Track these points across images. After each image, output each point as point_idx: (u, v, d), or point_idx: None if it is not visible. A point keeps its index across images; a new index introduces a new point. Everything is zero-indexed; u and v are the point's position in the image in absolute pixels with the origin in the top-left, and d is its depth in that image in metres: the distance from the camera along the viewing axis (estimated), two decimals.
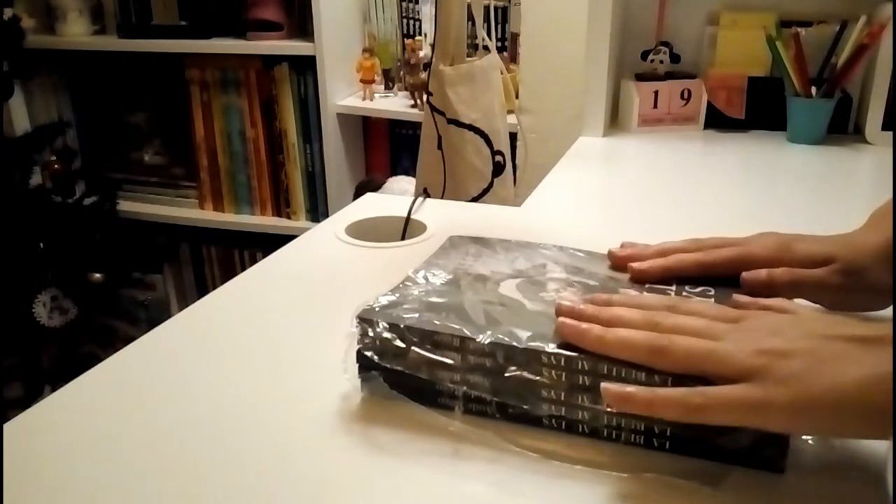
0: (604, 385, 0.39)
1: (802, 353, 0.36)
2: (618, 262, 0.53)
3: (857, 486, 0.38)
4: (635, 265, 0.51)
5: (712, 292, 0.48)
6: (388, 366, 0.43)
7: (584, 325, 0.41)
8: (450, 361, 0.42)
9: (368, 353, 0.44)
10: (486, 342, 0.41)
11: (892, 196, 0.53)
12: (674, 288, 0.49)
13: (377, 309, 0.45)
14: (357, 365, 0.45)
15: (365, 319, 0.44)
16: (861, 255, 0.51)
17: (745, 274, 0.51)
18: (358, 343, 0.44)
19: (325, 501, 0.37)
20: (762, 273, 0.50)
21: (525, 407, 0.41)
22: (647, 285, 0.50)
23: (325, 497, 0.38)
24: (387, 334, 0.43)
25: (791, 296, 0.49)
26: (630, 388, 0.38)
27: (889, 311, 0.52)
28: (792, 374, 0.35)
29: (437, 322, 0.43)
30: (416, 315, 0.44)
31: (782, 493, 0.37)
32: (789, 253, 0.52)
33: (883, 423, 0.33)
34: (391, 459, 0.40)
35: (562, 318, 0.42)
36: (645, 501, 0.37)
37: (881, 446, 0.38)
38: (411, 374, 0.43)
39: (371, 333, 0.43)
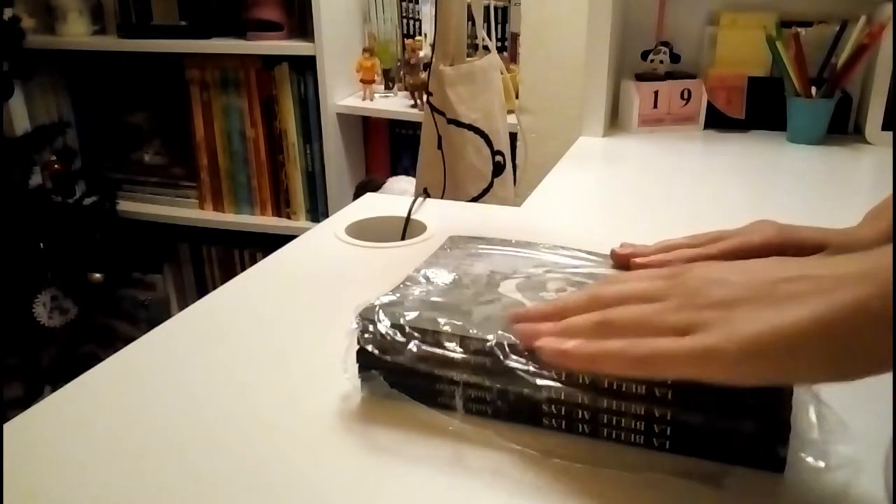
0: (539, 342, 0.38)
1: (748, 297, 0.35)
2: (620, 260, 0.53)
3: (857, 486, 0.38)
4: (638, 261, 0.52)
5: None
6: (389, 359, 0.43)
7: (540, 325, 0.40)
8: (450, 359, 0.42)
9: (369, 348, 0.44)
10: (487, 342, 0.41)
11: (892, 195, 0.54)
12: None
13: (378, 307, 0.45)
14: (357, 364, 0.45)
15: (366, 317, 0.44)
16: (854, 243, 0.52)
17: (729, 244, 0.52)
18: (358, 340, 0.44)
19: (325, 501, 0.37)
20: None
21: (525, 405, 0.41)
22: None
23: (325, 497, 0.38)
24: (388, 331, 0.43)
25: None
26: (569, 344, 0.37)
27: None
28: (739, 320, 0.34)
29: (439, 321, 0.43)
30: (417, 314, 0.44)
31: (782, 493, 0.37)
32: (785, 239, 0.52)
33: (842, 362, 0.32)
34: (391, 459, 0.40)
35: (516, 325, 0.41)
36: (645, 501, 0.37)
37: (881, 446, 0.38)
38: (411, 369, 0.43)
39: (372, 330, 0.43)
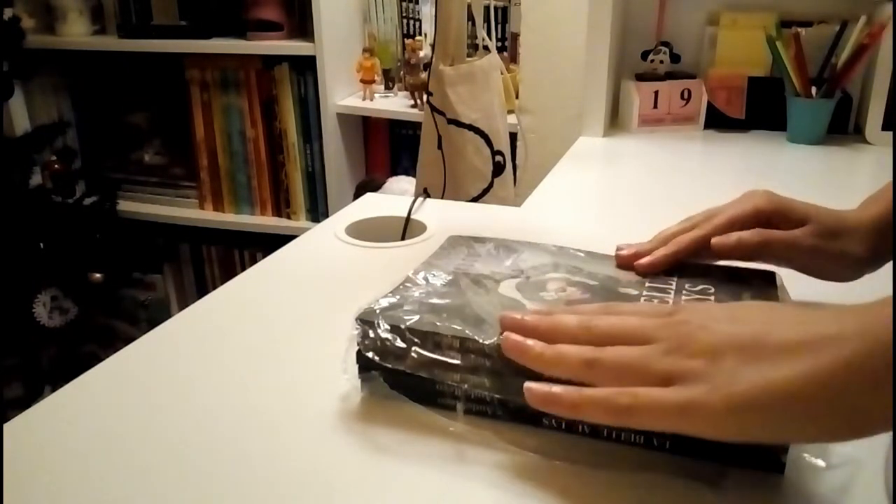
0: (527, 385, 0.38)
1: (738, 348, 0.34)
2: (624, 263, 0.53)
3: (857, 486, 0.38)
4: (642, 261, 0.52)
5: (712, 290, 0.48)
6: (390, 366, 0.43)
7: (530, 342, 0.39)
8: (450, 362, 0.42)
9: (369, 354, 0.44)
10: (487, 343, 0.41)
11: (892, 196, 0.54)
12: (674, 286, 0.49)
13: (377, 311, 0.45)
14: (357, 365, 0.45)
15: (365, 321, 0.44)
16: (840, 223, 0.53)
17: (714, 240, 0.52)
18: (358, 344, 0.44)
19: (325, 501, 0.37)
20: (732, 238, 0.52)
21: (525, 407, 0.41)
22: (648, 283, 0.50)
23: (325, 497, 0.38)
24: (388, 335, 0.43)
25: (764, 258, 0.52)
26: (556, 389, 0.37)
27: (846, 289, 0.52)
28: (726, 372, 0.33)
29: (438, 323, 0.43)
30: (417, 317, 0.44)
31: (782, 493, 0.37)
32: (775, 207, 0.53)
33: (833, 423, 0.31)
34: (391, 459, 0.40)
35: (506, 333, 0.40)
36: (645, 501, 0.37)
37: (881, 446, 0.38)
38: (412, 374, 0.43)
39: (372, 335, 0.43)
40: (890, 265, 0.54)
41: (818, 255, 0.52)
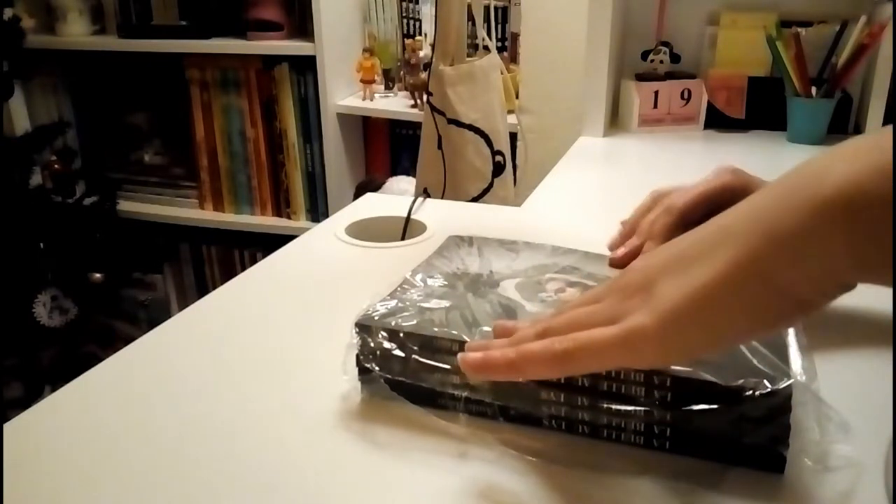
0: (460, 356, 0.37)
1: (664, 271, 0.34)
2: (619, 264, 0.54)
3: (857, 487, 0.38)
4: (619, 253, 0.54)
5: None
6: (390, 376, 0.43)
7: (495, 354, 0.36)
8: (449, 367, 0.42)
9: (368, 366, 0.44)
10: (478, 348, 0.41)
11: (891, 197, 0.54)
12: None
13: (376, 317, 0.44)
14: (356, 368, 0.45)
15: (363, 328, 0.44)
16: None
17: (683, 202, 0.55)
18: (357, 352, 0.44)
19: (325, 501, 0.37)
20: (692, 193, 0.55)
21: (525, 408, 0.41)
22: None
23: (325, 497, 0.38)
24: (386, 344, 0.43)
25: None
26: (492, 353, 0.36)
27: None
28: (656, 297, 0.33)
29: (436, 329, 0.43)
30: (415, 321, 0.44)
31: (782, 493, 0.37)
32: (741, 182, 0.54)
33: (762, 308, 0.31)
34: (391, 460, 0.40)
35: (461, 354, 0.38)
36: (645, 501, 0.37)
37: (881, 447, 0.38)
38: (412, 382, 0.43)
39: (371, 343, 0.43)
40: None
41: None
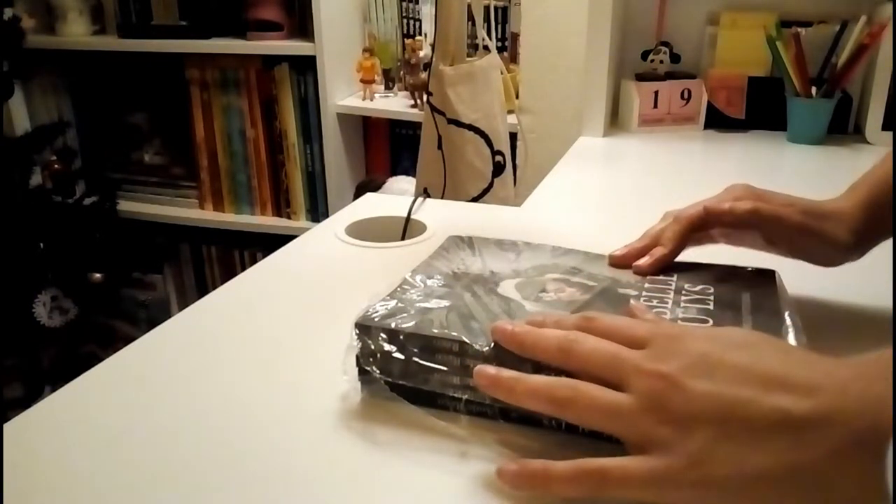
0: (478, 368, 0.39)
1: (707, 423, 0.32)
2: (618, 263, 0.54)
3: None
4: (641, 262, 0.52)
5: (712, 290, 0.48)
6: (391, 380, 0.43)
7: (504, 374, 0.39)
8: (449, 369, 0.42)
9: (368, 367, 0.43)
10: (485, 349, 0.41)
11: (872, 181, 0.54)
12: (673, 286, 0.49)
13: (375, 318, 0.44)
14: (356, 368, 0.45)
15: (363, 329, 0.44)
16: (822, 208, 0.53)
17: (707, 203, 0.53)
18: (357, 353, 0.44)
19: (325, 501, 0.37)
20: (724, 204, 0.53)
21: (526, 412, 0.41)
22: (647, 284, 0.50)
23: (325, 497, 0.38)
24: (386, 345, 0.43)
25: (753, 229, 0.52)
26: (535, 465, 0.36)
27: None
28: (694, 447, 0.32)
29: (436, 330, 0.43)
30: (414, 322, 0.44)
31: None
32: (756, 198, 0.53)
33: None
34: (391, 460, 0.40)
35: (478, 368, 0.40)
36: (645, 501, 0.37)
37: None
38: (412, 384, 0.43)
39: (371, 344, 0.43)
40: (878, 255, 0.54)
41: (805, 233, 0.52)
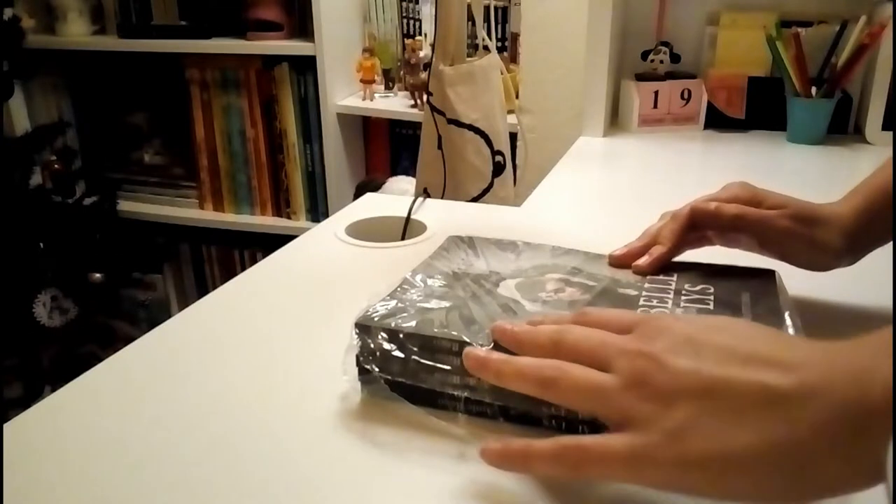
0: (466, 350, 0.39)
1: (689, 398, 0.31)
2: (617, 262, 0.54)
3: None
4: (641, 261, 0.52)
5: (712, 290, 0.48)
6: (390, 378, 0.43)
7: (493, 356, 0.39)
8: (449, 368, 0.42)
9: (368, 367, 0.44)
10: (485, 347, 0.41)
11: (870, 190, 0.54)
12: (673, 286, 0.49)
13: (375, 318, 0.44)
14: (356, 368, 0.45)
15: (363, 329, 0.44)
16: (815, 212, 0.53)
17: (694, 204, 0.53)
18: (357, 353, 0.44)
19: (325, 501, 0.37)
20: (711, 205, 0.53)
21: (525, 408, 0.41)
22: (647, 284, 0.50)
23: (325, 497, 0.38)
24: (386, 345, 0.43)
25: (739, 233, 0.53)
26: (517, 444, 0.36)
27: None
28: (675, 424, 0.31)
29: (436, 329, 0.43)
30: (414, 322, 0.44)
31: None
32: (751, 195, 0.54)
33: (795, 488, 0.29)
34: (391, 459, 0.40)
35: (466, 350, 0.40)
36: (645, 501, 0.37)
37: None
38: (412, 383, 0.43)
39: (371, 344, 0.43)
40: (871, 258, 0.54)
41: (791, 238, 0.52)
